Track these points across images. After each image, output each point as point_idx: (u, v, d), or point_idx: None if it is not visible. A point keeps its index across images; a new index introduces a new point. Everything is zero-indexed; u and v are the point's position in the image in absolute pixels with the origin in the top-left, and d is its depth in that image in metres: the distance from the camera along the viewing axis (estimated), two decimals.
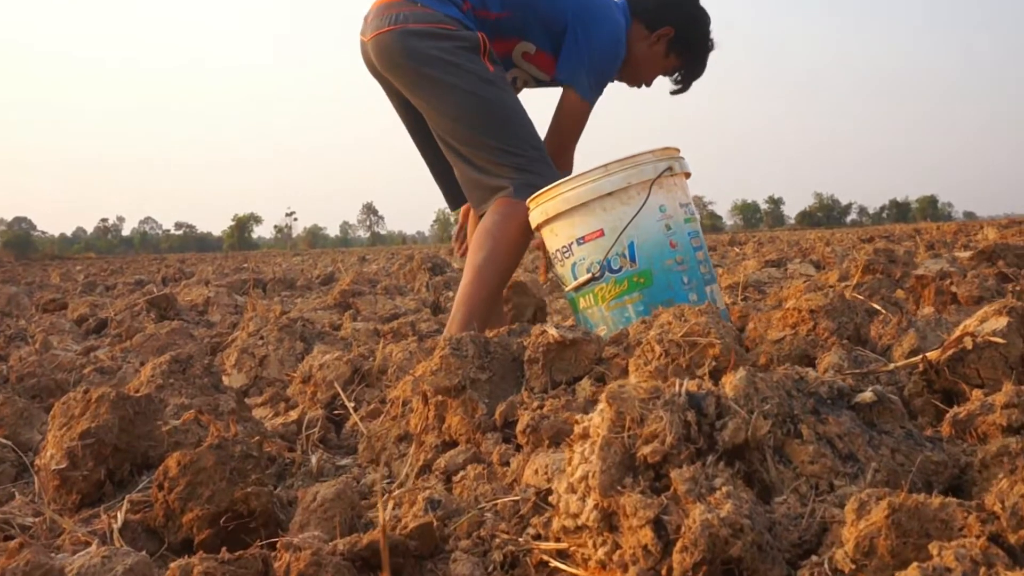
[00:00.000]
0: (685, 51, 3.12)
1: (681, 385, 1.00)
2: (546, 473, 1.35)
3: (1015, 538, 0.72)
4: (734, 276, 5.82)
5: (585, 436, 1.03)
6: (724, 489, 0.89)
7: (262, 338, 3.48)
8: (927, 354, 1.40)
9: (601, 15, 2.89)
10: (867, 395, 1.05)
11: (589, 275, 2.40)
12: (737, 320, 2.58)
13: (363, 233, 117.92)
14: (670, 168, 2.47)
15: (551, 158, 2.85)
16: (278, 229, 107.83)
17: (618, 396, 0.97)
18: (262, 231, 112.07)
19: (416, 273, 8.83)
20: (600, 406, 1.02)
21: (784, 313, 1.86)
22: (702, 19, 3.13)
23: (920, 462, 1.01)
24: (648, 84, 3.23)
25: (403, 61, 2.70)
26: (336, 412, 2.55)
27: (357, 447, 2.21)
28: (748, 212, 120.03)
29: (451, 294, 7.06)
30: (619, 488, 0.94)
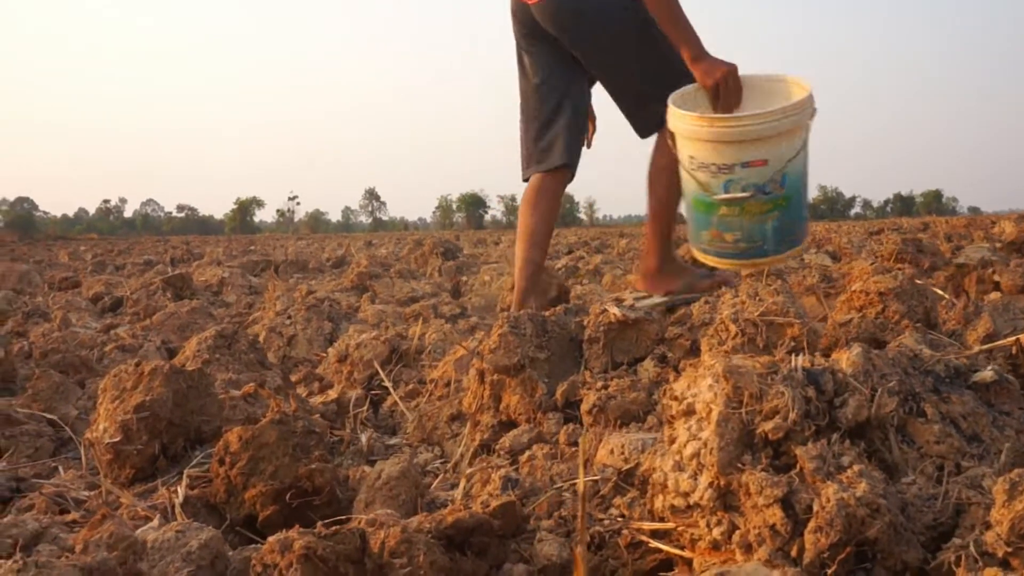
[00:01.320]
0: None
1: (798, 360, 0.96)
2: (622, 453, 1.31)
3: None
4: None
5: (690, 412, 0.99)
6: (855, 468, 0.85)
7: (289, 317, 3.43)
8: (1021, 336, 1.35)
9: None
10: (988, 374, 1.01)
11: (744, 193, 2.74)
12: None
13: (365, 219, 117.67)
14: (815, 109, 2.80)
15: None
16: (280, 213, 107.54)
17: (735, 371, 0.93)
18: (264, 215, 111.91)
19: (428, 258, 8.78)
20: (707, 382, 0.98)
21: (850, 295, 1.82)
22: None
23: None
24: None
25: (574, 20, 2.85)
26: (374, 392, 2.51)
27: (397, 427, 2.17)
28: None
29: (464, 279, 7.02)
30: (739, 465, 0.89)
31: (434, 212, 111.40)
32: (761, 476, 0.86)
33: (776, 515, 0.84)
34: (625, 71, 3.00)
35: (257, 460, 1.40)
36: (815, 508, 0.82)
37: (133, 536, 0.99)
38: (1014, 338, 1.36)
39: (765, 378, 0.94)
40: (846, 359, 0.98)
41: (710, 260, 2.69)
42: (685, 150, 2.90)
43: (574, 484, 1.30)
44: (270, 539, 0.98)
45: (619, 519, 1.09)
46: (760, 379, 0.93)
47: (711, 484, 0.92)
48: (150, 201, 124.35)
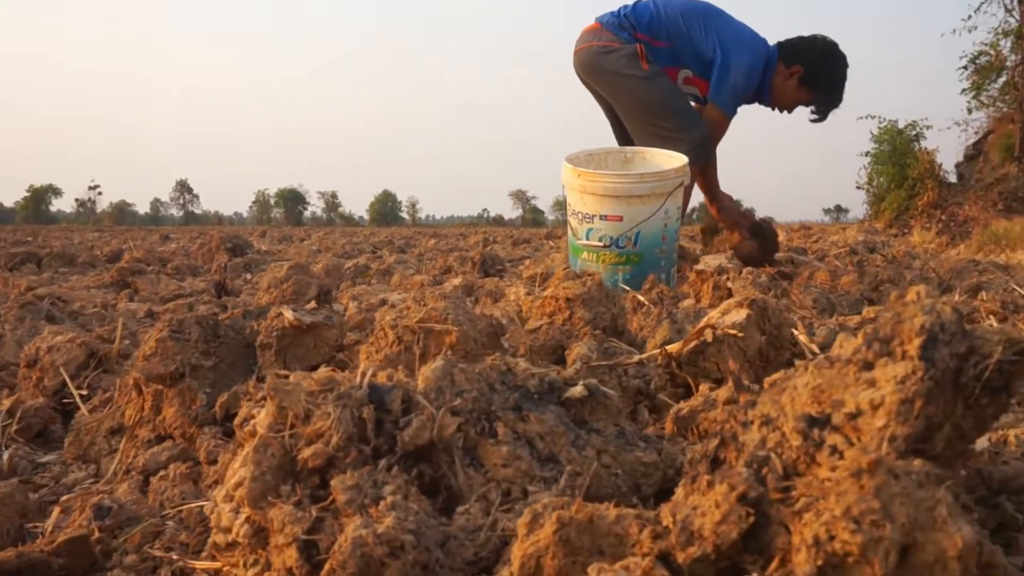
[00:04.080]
0: (814, 86, 4.07)
1: (364, 376, 0.86)
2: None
3: (683, 556, 0.62)
4: (537, 267, 5.81)
5: (254, 435, 0.87)
6: (390, 499, 0.75)
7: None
8: (667, 347, 1.33)
9: (739, 49, 3.93)
10: (577, 389, 0.94)
11: (601, 243, 3.23)
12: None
13: (176, 211, 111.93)
14: (682, 182, 3.29)
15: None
16: (80, 203, 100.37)
17: (280, 389, 0.82)
18: (62, 204, 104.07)
19: (214, 253, 8.33)
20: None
21: (543, 302, 1.77)
22: (830, 61, 4.07)
23: (629, 464, 0.92)
24: (787, 110, 4.21)
25: (594, 70, 4.02)
26: (66, 401, 2.25)
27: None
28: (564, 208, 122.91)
29: (249, 276, 6.68)
30: (271, 498, 0.78)
31: (251, 207, 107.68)
32: (287, 511, 0.75)
33: (292, 557, 0.73)
34: (621, 108, 4.06)
35: None
36: (334, 548, 0.72)
37: None
38: (660, 348, 1.33)
39: (317, 397, 0.83)
40: (423, 374, 0.89)
41: None
42: (568, 196, 3.42)
43: (181, 511, 1.15)
44: None
45: (174, 556, 0.95)
46: (310, 398, 0.82)
47: (247, 519, 0.80)
48: None
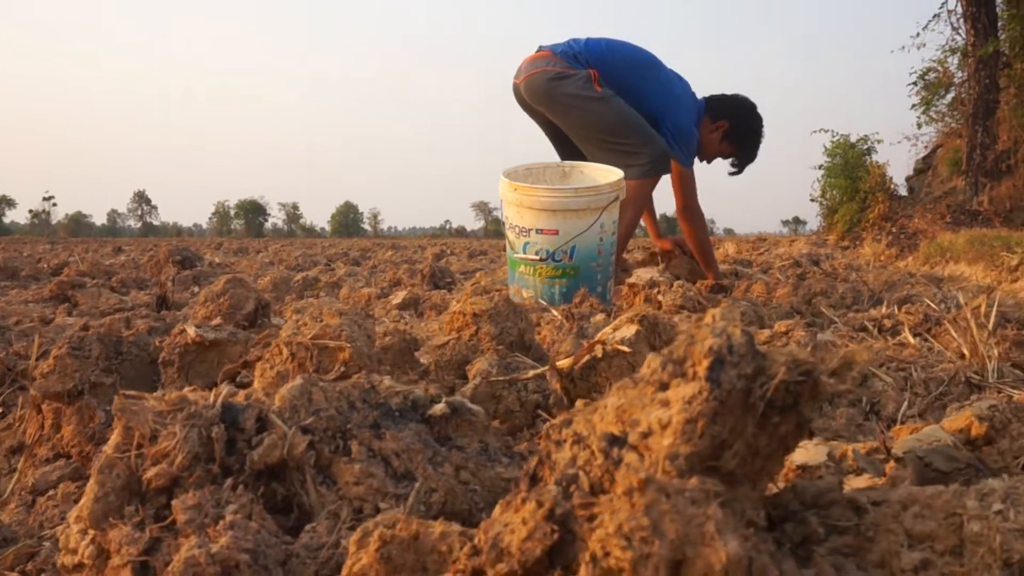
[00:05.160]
0: (737, 141, 4.42)
1: (219, 396, 0.86)
2: None
3: (493, 573, 0.63)
4: (485, 280, 5.83)
5: None
6: (230, 518, 0.76)
7: None
8: (558, 362, 1.35)
9: (681, 110, 4.20)
10: (440, 407, 0.96)
11: (537, 256, 3.28)
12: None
13: (134, 223, 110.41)
14: (617, 197, 3.37)
15: (689, 217, 4.42)
16: (34, 214, 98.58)
17: (127, 409, 0.82)
18: (16, 216, 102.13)
19: (162, 266, 8.23)
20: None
21: (451, 317, 1.78)
22: (751, 120, 4.43)
23: (489, 479, 0.94)
24: (707, 161, 4.50)
25: (548, 95, 4.08)
26: None
27: None
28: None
29: (197, 289, 6.60)
30: (112, 519, 0.78)
31: (211, 218, 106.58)
32: (124, 532, 0.76)
33: None
34: (574, 131, 4.13)
35: None
36: (168, 569, 0.72)
37: None
38: (548, 365, 1.35)
39: (166, 417, 0.83)
40: (279, 393, 0.90)
41: None
42: (504, 210, 3.50)
43: (56, 531, 1.15)
44: None
45: None
46: (158, 419, 0.83)
47: (93, 540, 0.80)
48: None
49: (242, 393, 0.89)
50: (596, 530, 0.58)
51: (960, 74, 15.65)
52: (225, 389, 0.87)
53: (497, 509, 0.69)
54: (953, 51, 15.67)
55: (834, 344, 1.91)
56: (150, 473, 0.79)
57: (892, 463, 0.87)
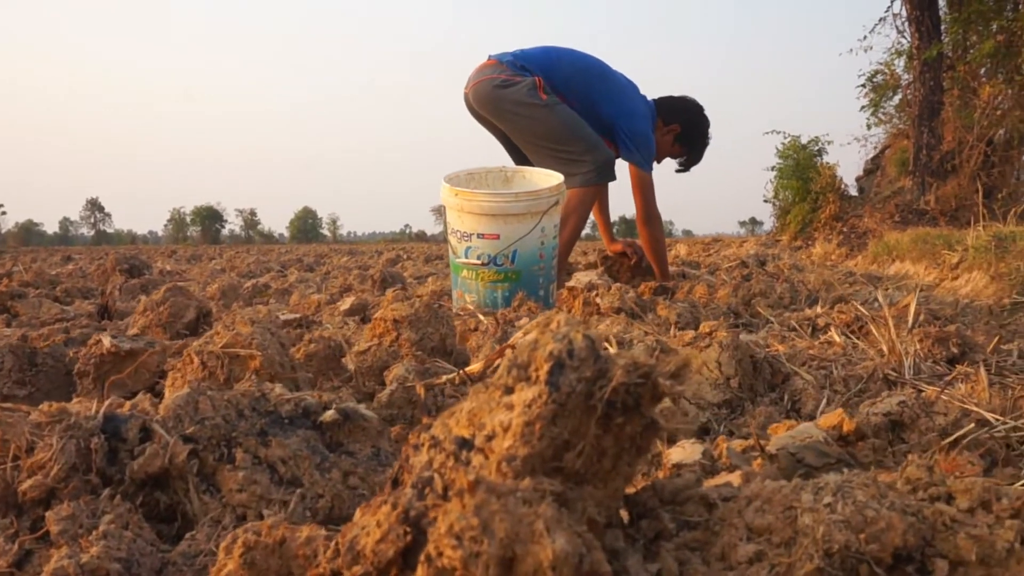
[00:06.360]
0: (688, 143, 4.64)
1: (101, 407, 0.86)
2: None
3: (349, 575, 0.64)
4: (435, 285, 5.85)
5: None
6: (104, 528, 0.76)
7: None
8: (467, 368, 1.37)
9: (634, 116, 4.32)
10: (329, 413, 0.97)
11: (479, 261, 3.31)
12: None
13: (87, 231, 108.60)
14: (558, 201, 3.43)
15: (646, 220, 4.46)
16: None
17: (3, 421, 0.82)
18: None
19: (110, 275, 8.11)
20: None
21: (373, 323, 1.79)
22: (702, 123, 4.64)
23: (379, 484, 0.95)
24: (657, 161, 4.58)
25: (495, 102, 4.15)
26: None
27: None
28: None
29: (143, 297, 6.52)
30: None
31: (166, 225, 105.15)
32: None
33: None
34: (520, 137, 4.23)
35: None
36: None
37: None
38: (459, 370, 1.37)
39: (44, 429, 0.83)
40: (164, 403, 0.91)
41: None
42: (447, 215, 3.52)
43: None
44: None
45: None
46: (36, 430, 0.83)
47: None
48: None
49: (128, 404, 0.89)
50: (433, 531, 0.60)
51: (906, 76, 15.97)
52: (108, 400, 0.87)
53: (358, 513, 0.70)
54: (899, 54, 15.97)
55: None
56: (25, 485, 0.79)
57: (759, 460, 0.90)
